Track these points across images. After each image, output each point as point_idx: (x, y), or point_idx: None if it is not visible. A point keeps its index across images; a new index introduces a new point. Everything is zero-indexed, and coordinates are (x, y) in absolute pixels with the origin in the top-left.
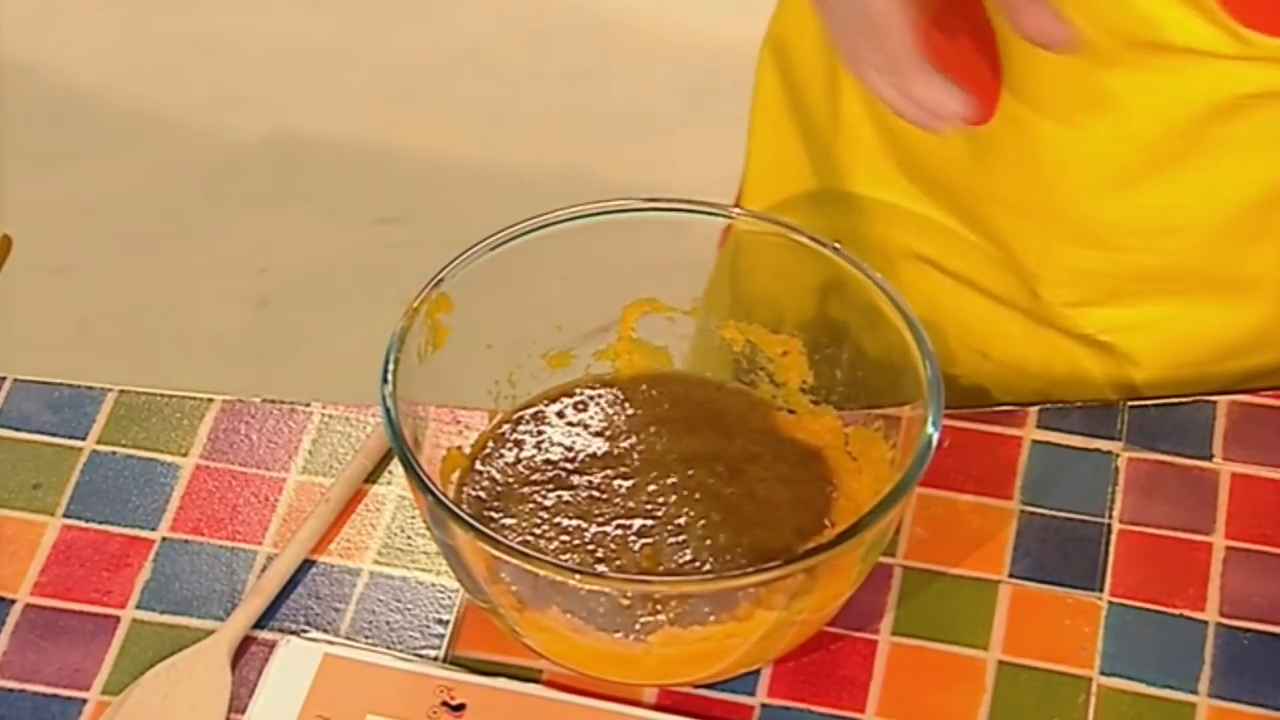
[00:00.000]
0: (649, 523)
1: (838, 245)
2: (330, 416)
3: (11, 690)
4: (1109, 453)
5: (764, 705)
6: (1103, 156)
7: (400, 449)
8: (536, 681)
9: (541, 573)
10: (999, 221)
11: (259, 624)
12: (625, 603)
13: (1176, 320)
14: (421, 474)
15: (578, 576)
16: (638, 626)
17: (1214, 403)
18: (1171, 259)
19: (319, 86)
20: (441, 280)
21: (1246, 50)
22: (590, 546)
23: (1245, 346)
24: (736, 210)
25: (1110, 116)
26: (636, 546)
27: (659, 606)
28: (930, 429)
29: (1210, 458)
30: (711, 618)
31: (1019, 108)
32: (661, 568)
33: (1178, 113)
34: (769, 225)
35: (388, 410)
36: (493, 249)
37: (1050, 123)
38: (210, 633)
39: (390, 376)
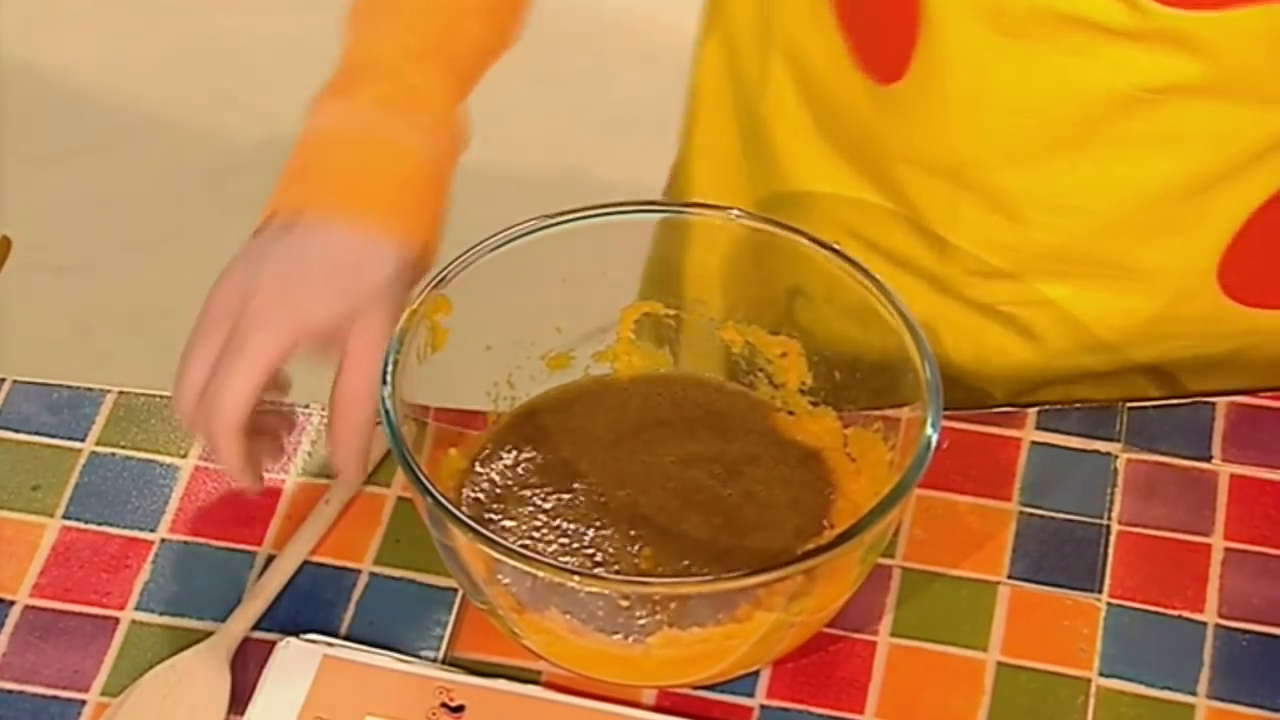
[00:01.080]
0: (648, 524)
1: (837, 246)
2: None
3: (11, 691)
4: (1108, 454)
5: (763, 706)
6: (1006, 127)
7: (399, 450)
8: (535, 683)
9: (540, 574)
10: (909, 182)
11: (258, 625)
12: (624, 604)
13: (1075, 302)
14: (421, 475)
15: (577, 578)
16: (636, 628)
17: (1212, 404)
18: (1071, 240)
19: (319, 87)
20: (441, 281)
21: (1144, 22)
22: (589, 548)
23: (1142, 335)
24: (735, 211)
25: (1014, 90)
26: (635, 548)
27: (658, 608)
28: (929, 430)
29: (1209, 459)
30: (710, 619)
31: (929, 69)
32: (660, 569)
33: (1081, 95)
34: (768, 226)
35: (387, 412)
36: (492, 250)
37: (957, 88)
38: (209, 634)
39: (389, 378)
